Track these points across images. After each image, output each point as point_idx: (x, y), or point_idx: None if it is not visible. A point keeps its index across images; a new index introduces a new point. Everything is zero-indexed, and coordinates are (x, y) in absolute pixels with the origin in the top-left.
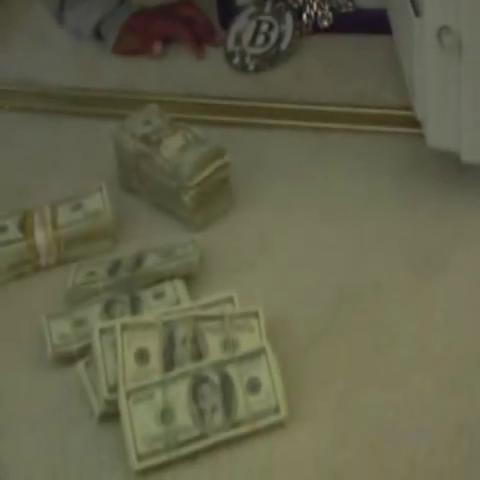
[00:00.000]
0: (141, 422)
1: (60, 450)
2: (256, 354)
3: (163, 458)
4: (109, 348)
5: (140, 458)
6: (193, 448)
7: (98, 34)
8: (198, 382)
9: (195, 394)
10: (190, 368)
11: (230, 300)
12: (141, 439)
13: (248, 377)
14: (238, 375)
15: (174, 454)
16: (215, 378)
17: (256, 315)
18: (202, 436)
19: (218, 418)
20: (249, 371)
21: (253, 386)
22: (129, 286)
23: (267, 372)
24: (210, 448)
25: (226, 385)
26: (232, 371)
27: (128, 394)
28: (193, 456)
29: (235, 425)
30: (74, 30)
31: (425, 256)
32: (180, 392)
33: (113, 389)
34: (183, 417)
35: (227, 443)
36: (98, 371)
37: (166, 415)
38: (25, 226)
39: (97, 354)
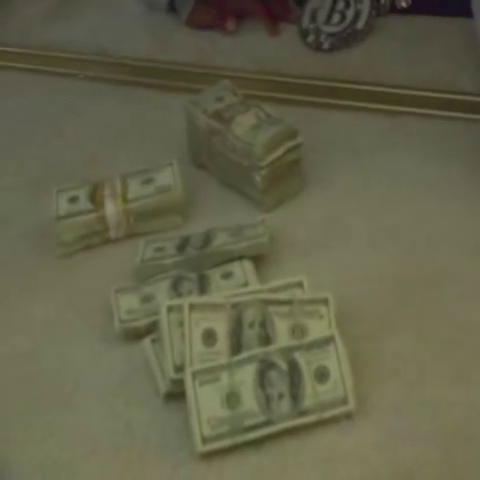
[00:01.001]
0: (207, 405)
1: (125, 425)
2: (325, 342)
3: (228, 442)
4: (176, 327)
5: (205, 441)
6: (258, 434)
7: (172, 7)
8: (265, 367)
9: (262, 379)
10: (257, 352)
11: (299, 285)
12: (206, 422)
13: (316, 365)
14: (306, 363)
15: (239, 439)
16: (283, 364)
17: (326, 302)
18: (268, 422)
19: (285, 405)
20: (318, 359)
21: (321, 375)
22: (197, 264)
23: (336, 361)
24: (275, 435)
25: (294, 372)
26: (300, 358)
27: (194, 375)
28: (259, 442)
29: (302, 414)
30: (148, 3)
31: None
32: (247, 377)
33: (179, 369)
34: (249, 402)
35: (293, 431)
36: (165, 350)
37: (232, 399)
38: (96, 198)
39: (164, 332)
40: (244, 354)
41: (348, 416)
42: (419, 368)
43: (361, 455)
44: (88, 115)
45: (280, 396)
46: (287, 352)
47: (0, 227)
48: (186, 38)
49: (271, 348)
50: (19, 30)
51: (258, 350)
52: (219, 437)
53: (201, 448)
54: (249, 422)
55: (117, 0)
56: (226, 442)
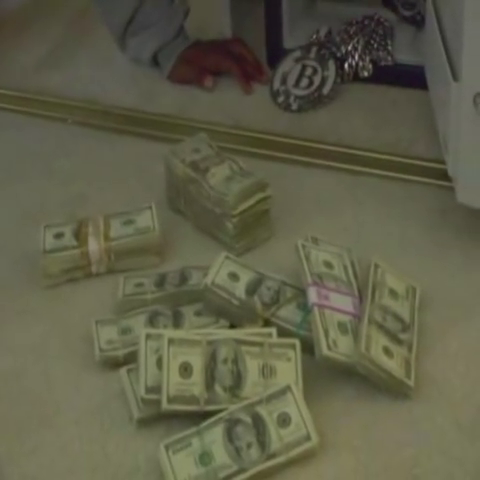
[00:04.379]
0: (181, 468)
1: (100, 449)
2: (282, 392)
3: None
4: (152, 353)
5: None
6: None
7: (156, 62)
8: (231, 425)
9: (230, 435)
10: (222, 414)
11: (269, 334)
12: None
13: (278, 413)
14: (268, 413)
15: None
16: (247, 419)
17: (293, 346)
18: (240, 471)
19: (254, 453)
20: (278, 408)
21: (283, 421)
22: (175, 300)
23: (295, 406)
24: None
25: (258, 423)
26: (262, 410)
27: (167, 447)
28: None
29: (270, 457)
30: (134, 56)
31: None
32: (216, 436)
33: (150, 390)
34: (221, 457)
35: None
36: (139, 371)
37: (205, 458)
38: (80, 235)
39: (141, 356)
40: (210, 419)
41: (312, 452)
42: None
43: None
44: (76, 157)
45: (248, 446)
46: (249, 408)
47: None
48: (168, 91)
49: (234, 407)
50: (15, 75)
51: (222, 413)
52: None
53: None
54: (223, 473)
55: (105, 53)
56: None
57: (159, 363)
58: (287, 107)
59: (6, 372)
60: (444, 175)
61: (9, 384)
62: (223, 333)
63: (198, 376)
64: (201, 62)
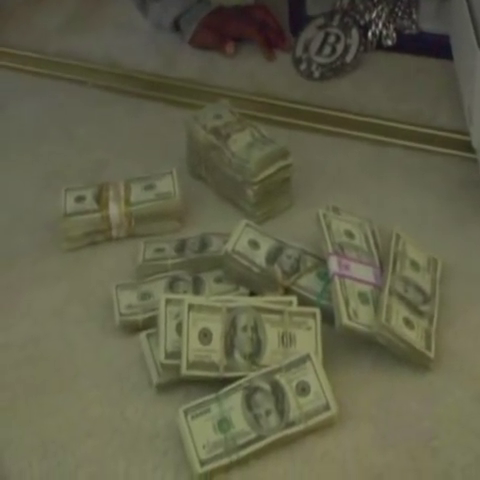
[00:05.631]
0: (200, 433)
1: (120, 413)
2: (302, 361)
3: (225, 461)
4: (172, 318)
5: (202, 463)
6: (252, 449)
7: (177, 27)
8: (250, 392)
9: (249, 403)
10: (241, 382)
11: (290, 303)
12: (201, 447)
13: (297, 382)
14: (287, 381)
15: (234, 457)
16: (266, 386)
17: (314, 315)
18: (259, 438)
19: (273, 420)
20: (297, 376)
21: (302, 389)
22: (195, 266)
23: (314, 375)
24: (268, 448)
25: (277, 391)
26: (281, 378)
27: (186, 412)
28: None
29: (289, 425)
30: (155, 21)
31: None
32: (234, 403)
33: (169, 355)
34: (240, 424)
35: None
36: (159, 337)
37: (223, 424)
38: (101, 199)
39: (160, 322)
40: (229, 386)
41: (331, 421)
42: None
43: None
44: (96, 122)
45: (267, 413)
46: (268, 375)
47: (11, 220)
48: (189, 56)
49: (253, 374)
50: (37, 39)
51: (241, 380)
52: (215, 458)
53: (200, 470)
54: (242, 440)
55: (127, 17)
56: (223, 461)
57: (179, 328)
58: (309, 75)
59: (26, 335)
60: (467, 147)
61: (29, 347)
62: (243, 300)
63: (217, 343)
64: (223, 28)
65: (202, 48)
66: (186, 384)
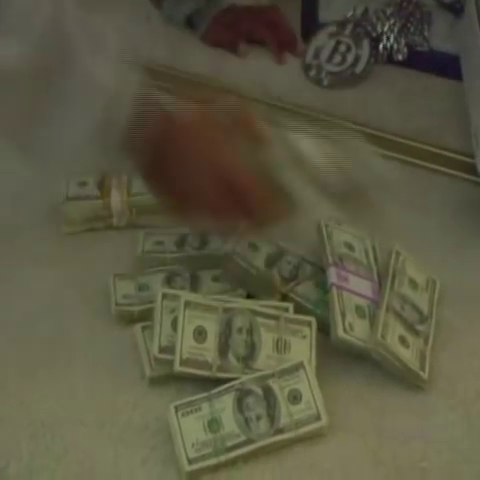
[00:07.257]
0: (190, 431)
1: (110, 403)
2: (295, 369)
3: (213, 461)
4: (168, 313)
5: (190, 462)
6: (240, 452)
7: (190, 23)
8: (242, 395)
9: (240, 405)
10: (234, 383)
11: (286, 309)
12: (190, 446)
13: (289, 389)
14: (279, 388)
15: (223, 458)
16: (258, 390)
17: (309, 324)
18: (248, 441)
19: (263, 425)
20: (289, 384)
21: (294, 397)
22: (193, 263)
23: (307, 384)
24: (256, 452)
25: (269, 396)
26: (274, 384)
27: (176, 408)
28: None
29: (279, 431)
30: (168, 16)
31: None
32: (226, 405)
33: (163, 350)
34: (230, 425)
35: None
36: (154, 330)
37: (214, 424)
38: (103, 186)
39: (156, 315)
40: (221, 387)
41: (322, 432)
42: None
43: None
44: None
45: (258, 417)
46: (261, 380)
47: (13, 200)
48: (200, 52)
49: (246, 377)
50: None
51: (234, 382)
52: (204, 458)
53: (187, 468)
54: (231, 442)
55: (140, 9)
56: (211, 461)
57: (174, 324)
58: (318, 82)
59: (21, 315)
60: (471, 169)
61: (24, 328)
62: (240, 302)
63: (212, 342)
64: (235, 27)
65: (214, 46)
66: (178, 380)
